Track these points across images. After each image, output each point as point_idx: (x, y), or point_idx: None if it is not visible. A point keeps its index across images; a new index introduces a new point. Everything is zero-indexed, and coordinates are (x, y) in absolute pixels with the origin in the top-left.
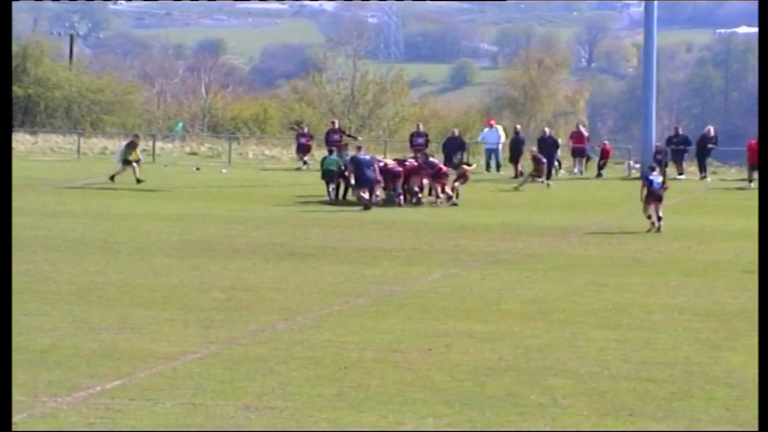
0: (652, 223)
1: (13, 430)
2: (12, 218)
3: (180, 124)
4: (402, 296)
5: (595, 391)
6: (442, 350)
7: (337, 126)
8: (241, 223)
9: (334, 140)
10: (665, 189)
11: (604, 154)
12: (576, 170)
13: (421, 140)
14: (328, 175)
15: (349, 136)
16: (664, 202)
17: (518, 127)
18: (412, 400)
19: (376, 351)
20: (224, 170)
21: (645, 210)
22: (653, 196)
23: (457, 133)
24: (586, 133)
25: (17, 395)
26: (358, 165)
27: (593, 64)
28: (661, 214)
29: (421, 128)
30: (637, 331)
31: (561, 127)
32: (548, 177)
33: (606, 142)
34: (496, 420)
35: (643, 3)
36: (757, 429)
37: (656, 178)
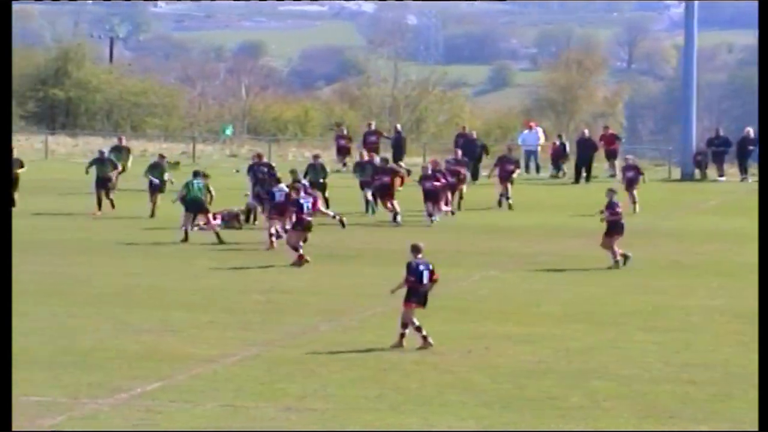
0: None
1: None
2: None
3: (229, 128)
4: (442, 298)
5: (637, 394)
6: (481, 352)
7: (373, 127)
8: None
9: (370, 142)
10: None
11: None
12: (609, 172)
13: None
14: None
15: (386, 137)
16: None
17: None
18: (451, 402)
19: (416, 353)
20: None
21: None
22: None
23: (475, 135)
24: (618, 135)
25: (60, 397)
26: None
27: (633, 65)
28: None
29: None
30: (677, 333)
31: (600, 128)
32: (587, 179)
33: None
34: (535, 422)
35: (683, 4)
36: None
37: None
